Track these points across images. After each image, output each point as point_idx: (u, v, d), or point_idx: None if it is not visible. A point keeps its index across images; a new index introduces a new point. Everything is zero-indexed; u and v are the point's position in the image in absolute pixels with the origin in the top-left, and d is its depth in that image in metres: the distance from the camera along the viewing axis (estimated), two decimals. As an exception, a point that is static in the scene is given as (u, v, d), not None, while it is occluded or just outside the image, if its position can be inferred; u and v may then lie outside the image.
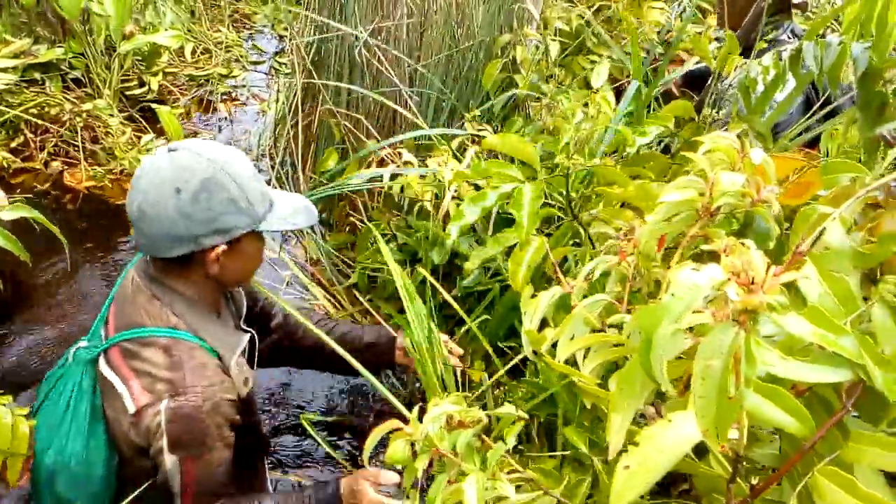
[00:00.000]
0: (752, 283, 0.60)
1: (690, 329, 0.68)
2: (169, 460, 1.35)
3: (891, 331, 0.75)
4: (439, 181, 2.08)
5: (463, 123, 2.47)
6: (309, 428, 2.03)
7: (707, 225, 0.91)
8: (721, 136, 0.97)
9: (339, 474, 1.94)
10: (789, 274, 0.59)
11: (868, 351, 0.72)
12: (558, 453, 1.18)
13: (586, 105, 2.25)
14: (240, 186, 1.36)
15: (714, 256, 0.84)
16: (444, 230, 2.06)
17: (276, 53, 4.07)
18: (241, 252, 1.43)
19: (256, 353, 1.63)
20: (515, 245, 1.37)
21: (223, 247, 1.38)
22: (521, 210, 1.28)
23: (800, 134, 1.80)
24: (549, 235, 1.89)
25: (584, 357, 0.91)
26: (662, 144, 2.07)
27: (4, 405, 1.28)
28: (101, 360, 1.42)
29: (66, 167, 2.99)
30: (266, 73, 3.89)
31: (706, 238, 0.90)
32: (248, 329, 1.60)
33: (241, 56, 3.96)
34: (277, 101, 3.28)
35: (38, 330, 2.30)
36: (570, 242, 1.57)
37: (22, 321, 2.33)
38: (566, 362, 0.93)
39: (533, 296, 1.01)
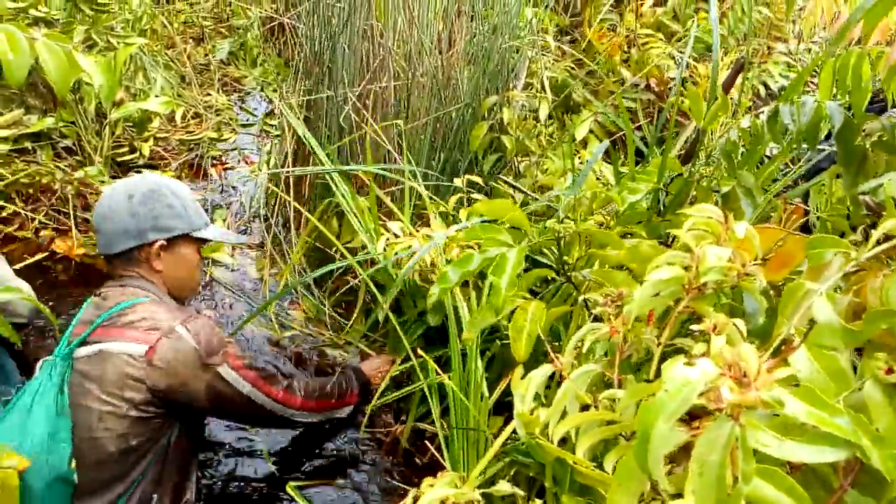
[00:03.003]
0: (745, 377, 0.60)
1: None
2: (221, 372, 1.63)
3: (883, 408, 0.75)
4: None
5: (452, 186, 2.49)
6: (297, 497, 1.96)
7: (695, 299, 0.91)
8: (705, 208, 0.98)
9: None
10: (782, 370, 0.60)
11: (863, 429, 0.72)
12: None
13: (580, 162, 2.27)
14: (178, 198, 1.77)
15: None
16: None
17: (266, 115, 4.11)
18: (179, 255, 1.79)
19: None
20: (515, 310, 1.37)
21: (162, 242, 1.73)
22: (502, 276, 1.28)
23: (785, 189, 1.83)
24: (547, 294, 1.90)
25: (577, 434, 0.91)
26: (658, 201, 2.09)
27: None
28: (81, 352, 1.60)
29: (56, 235, 2.99)
30: (256, 135, 3.92)
31: (695, 313, 0.90)
32: None
33: (232, 119, 3.99)
34: (268, 162, 3.31)
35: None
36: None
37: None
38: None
39: (524, 375, 1.00)
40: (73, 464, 1.55)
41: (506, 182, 2.49)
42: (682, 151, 2.32)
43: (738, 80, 2.44)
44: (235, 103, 4.19)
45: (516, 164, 2.78)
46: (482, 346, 1.92)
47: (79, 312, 1.73)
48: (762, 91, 3.79)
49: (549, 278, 1.81)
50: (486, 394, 1.74)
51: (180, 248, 1.78)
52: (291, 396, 1.80)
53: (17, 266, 2.76)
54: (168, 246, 1.75)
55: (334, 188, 2.38)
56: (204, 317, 1.68)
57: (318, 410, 1.91)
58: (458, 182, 2.36)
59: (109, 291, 1.71)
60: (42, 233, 2.99)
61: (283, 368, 1.91)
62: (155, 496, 1.67)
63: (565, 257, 1.54)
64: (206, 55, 4.49)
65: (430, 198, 2.35)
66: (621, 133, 3.16)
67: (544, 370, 0.98)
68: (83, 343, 1.61)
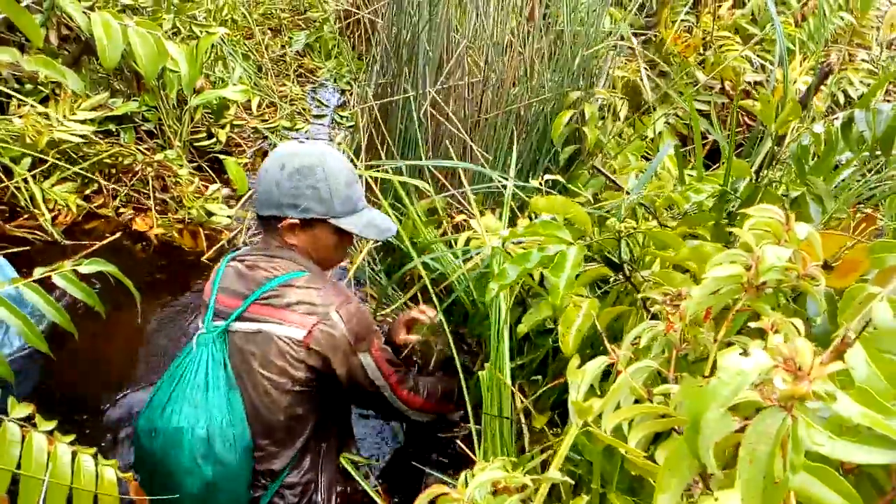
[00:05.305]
0: (800, 369, 0.61)
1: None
2: (363, 359, 1.71)
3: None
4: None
5: (531, 178, 2.50)
6: (351, 469, 1.99)
7: (754, 298, 0.92)
8: (767, 208, 0.98)
9: None
10: (836, 364, 0.61)
11: (918, 434, 0.72)
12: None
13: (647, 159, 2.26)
14: (327, 183, 1.70)
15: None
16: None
17: (338, 107, 4.20)
18: (314, 235, 1.76)
19: None
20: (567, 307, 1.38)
21: (295, 220, 1.71)
22: (561, 274, 1.28)
23: (859, 196, 1.79)
24: (605, 294, 1.90)
25: (630, 426, 0.92)
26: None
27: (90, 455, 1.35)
28: (237, 326, 1.69)
29: (136, 214, 3.13)
30: (328, 126, 4.02)
31: (753, 312, 0.91)
32: None
33: (305, 110, 4.09)
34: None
35: (109, 371, 2.38)
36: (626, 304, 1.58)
37: (94, 363, 2.40)
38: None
39: (579, 366, 1.02)
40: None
41: (598, 170, 2.49)
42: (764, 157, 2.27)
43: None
44: (309, 94, 4.29)
45: (591, 162, 2.79)
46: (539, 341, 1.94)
47: (216, 276, 1.80)
48: (841, 98, 3.68)
49: (610, 279, 1.81)
50: (508, 382, 1.74)
51: (316, 229, 1.76)
52: (414, 397, 1.87)
53: (97, 241, 2.90)
54: (302, 225, 1.74)
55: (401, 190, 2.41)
56: (356, 301, 1.75)
57: (435, 411, 1.97)
58: (534, 182, 2.37)
59: (257, 259, 1.75)
60: (122, 212, 3.13)
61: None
62: (322, 459, 1.83)
63: (625, 256, 1.54)
64: (283, 46, 4.61)
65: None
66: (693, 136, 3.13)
67: (599, 361, 1.00)
68: (239, 317, 1.69)
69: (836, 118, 1.56)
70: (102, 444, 2.11)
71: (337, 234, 1.78)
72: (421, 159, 2.67)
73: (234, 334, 1.70)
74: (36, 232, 2.85)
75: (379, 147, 2.88)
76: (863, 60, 3.93)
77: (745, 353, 0.64)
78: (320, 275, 1.78)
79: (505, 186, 2.42)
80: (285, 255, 1.75)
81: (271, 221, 1.73)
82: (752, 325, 0.79)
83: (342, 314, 1.67)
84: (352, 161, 2.95)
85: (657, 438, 0.99)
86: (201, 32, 3.52)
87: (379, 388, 1.78)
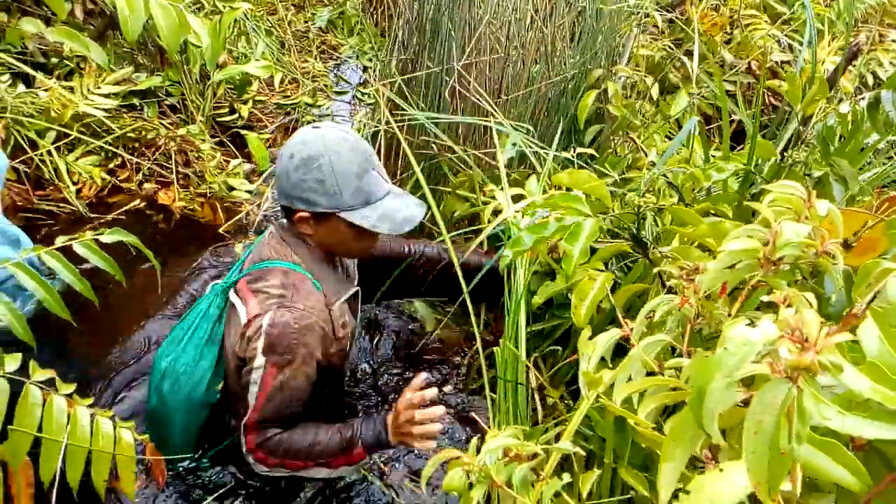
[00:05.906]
0: (806, 341, 0.61)
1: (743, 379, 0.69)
2: (259, 360, 1.61)
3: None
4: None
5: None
6: None
7: (770, 273, 0.91)
8: (788, 184, 0.97)
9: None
10: (842, 335, 0.60)
11: (928, 409, 0.71)
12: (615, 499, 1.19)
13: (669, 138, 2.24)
14: (335, 175, 1.59)
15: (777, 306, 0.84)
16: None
17: (360, 84, 4.20)
18: (329, 227, 1.67)
19: (359, 308, 1.96)
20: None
21: (306, 214, 1.64)
22: (575, 242, 1.29)
23: (884, 179, 1.76)
24: (628, 268, 1.90)
25: (640, 399, 0.93)
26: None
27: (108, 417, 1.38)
28: (232, 291, 1.75)
29: (159, 188, 3.16)
30: (349, 103, 4.01)
31: (770, 288, 0.90)
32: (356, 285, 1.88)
33: (327, 86, 4.09)
34: (360, 130, 3.38)
35: (124, 340, 2.41)
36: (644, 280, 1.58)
37: (109, 331, 2.43)
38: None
39: (591, 337, 1.02)
40: (219, 386, 1.76)
41: (630, 136, 2.47)
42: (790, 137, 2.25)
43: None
44: (331, 70, 4.29)
45: (614, 141, 2.76)
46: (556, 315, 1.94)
47: (261, 236, 1.83)
48: (870, 80, 3.62)
49: (628, 255, 1.81)
50: (522, 355, 1.74)
51: (330, 222, 1.66)
52: (258, 451, 1.68)
53: (121, 214, 2.94)
54: (315, 218, 1.66)
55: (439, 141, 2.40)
56: (308, 321, 1.63)
57: (277, 467, 1.72)
58: (567, 154, 2.36)
59: (273, 236, 1.75)
60: (145, 185, 3.16)
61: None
62: None
63: (643, 232, 1.54)
64: (306, 22, 4.60)
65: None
66: (720, 117, 3.09)
67: (611, 334, 1.00)
68: (234, 286, 1.76)
69: (863, 98, 1.53)
70: (117, 405, 2.17)
71: (353, 227, 1.66)
72: (443, 137, 2.67)
73: (230, 295, 1.76)
74: (60, 204, 2.89)
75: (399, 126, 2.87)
76: (893, 41, 3.85)
77: (752, 324, 0.64)
78: (316, 273, 1.72)
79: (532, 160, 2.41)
80: (290, 243, 1.72)
81: (287, 211, 1.69)
82: (765, 298, 0.79)
83: (273, 317, 1.60)
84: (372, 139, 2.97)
85: (671, 416, 0.99)
86: (224, 7, 3.52)
87: (239, 411, 1.67)
